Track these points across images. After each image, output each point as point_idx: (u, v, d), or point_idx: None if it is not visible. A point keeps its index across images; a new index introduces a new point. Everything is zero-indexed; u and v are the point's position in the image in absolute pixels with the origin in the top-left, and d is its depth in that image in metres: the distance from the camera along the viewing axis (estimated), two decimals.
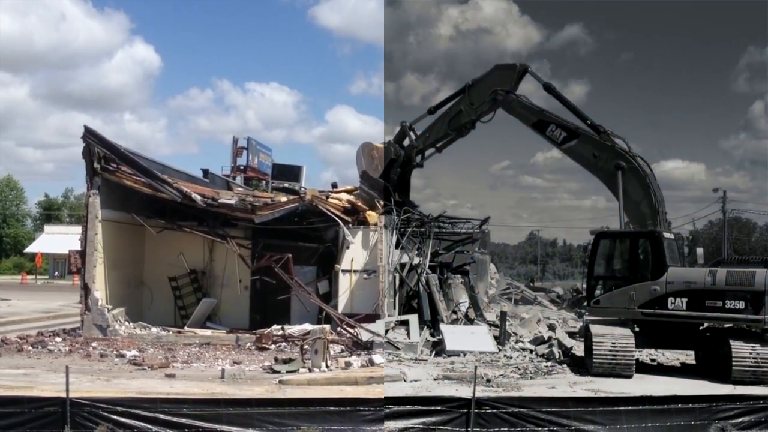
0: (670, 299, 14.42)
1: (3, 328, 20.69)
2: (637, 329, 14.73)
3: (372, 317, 18.46)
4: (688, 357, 16.40)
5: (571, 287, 33.80)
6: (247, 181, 41.45)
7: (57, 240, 61.31)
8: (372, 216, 20.16)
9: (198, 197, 19.07)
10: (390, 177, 19.57)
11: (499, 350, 16.52)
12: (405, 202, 19.94)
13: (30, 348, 16.49)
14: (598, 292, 15.47)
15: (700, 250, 15.48)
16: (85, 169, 18.67)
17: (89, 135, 18.51)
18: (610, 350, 14.03)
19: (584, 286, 16.89)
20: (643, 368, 15.17)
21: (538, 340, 17.54)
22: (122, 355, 15.60)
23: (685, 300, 14.33)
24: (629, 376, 13.89)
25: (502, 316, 17.84)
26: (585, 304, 16.56)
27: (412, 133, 19.31)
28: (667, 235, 15.20)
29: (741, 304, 13.76)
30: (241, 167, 42.73)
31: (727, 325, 14.32)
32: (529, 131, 17.37)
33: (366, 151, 19.89)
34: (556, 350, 16.09)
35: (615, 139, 16.05)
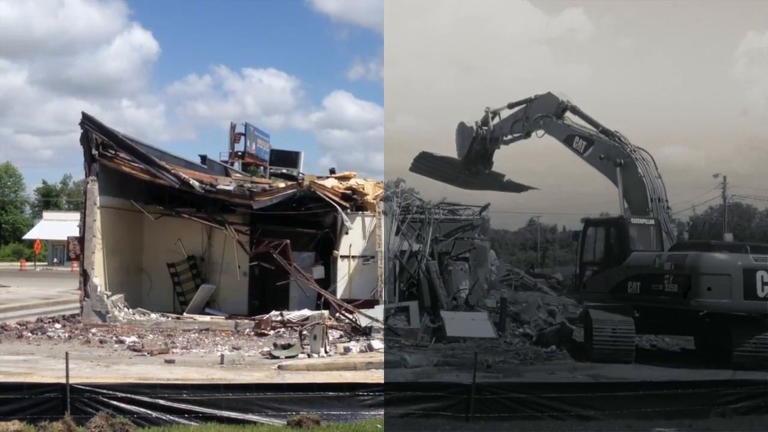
0: (629, 283, 14.88)
1: (2, 315, 20.66)
2: (637, 315, 14.74)
3: (371, 303, 18.47)
4: (688, 342, 16.42)
5: (571, 273, 33.74)
6: (245, 167, 41.31)
7: (56, 226, 61.22)
8: (370, 202, 20.17)
9: (196, 183, 19.00)
10: (470, 152, 22.29)
11: (499, 336, 16.54)
12: (485, 173, 22.82)
13: (29, 334, 16.46)
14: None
15: (728, 236, 16.02)
16: (84, 156, 18.56)
17: (87, 121, 18.39)
18: (610, 336, 14.06)
19: (577, 271, 17.66)
20: (643, 353, 15.20)
21: (538, 326, 17.58)
22: (122, 341, 15.58)
23: (638, 284, 14.70)
24: (629, 362, 13.90)
25: (503, 302, 17.86)
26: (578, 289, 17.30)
27: (491, 120, 21.65)
28: (638, 220, 15.74)
29: (675, 287, 13.86)
30: (239, 153, 42.54)
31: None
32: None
33: (463, 132, 22.50)
34: (567, 325, 16.34)
35: (622, 138, 17.60)
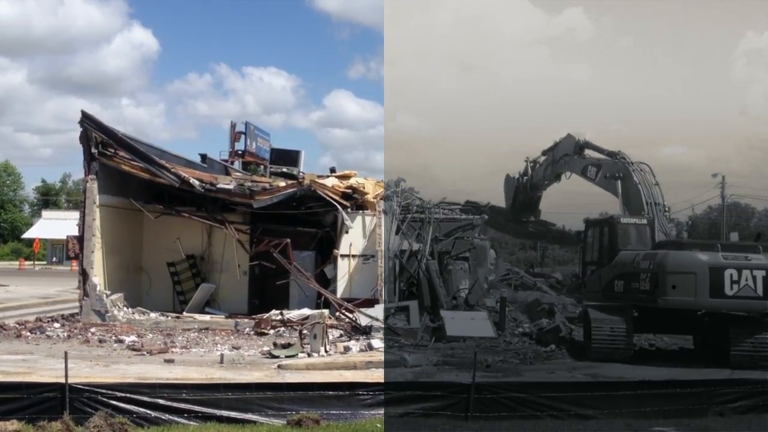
0: (615, 282, 15.13)
1: (1, 314, 20.69)
2: (635, 314, 14.77)
3: (371, 302, 18.47)
4: (686, 342, 16.44)
5: (571, 273, 33.74)
6: (245, 166, 41.32)
7: (55, 225, 61.20)
8: (371, 201, 20.17)
9: (196, 182, 18.99)
10: (515, 201, 24.43)
11: (499, 336, 16.56)
12: (533, 221, 24.73)
13: (28, 334, 16.46)
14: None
15: (734, 235, 16.47)
16: (83, 155, 18.55)
17: (87, 120, 18.38)
18: (608, 335, 14.08)
19: (579, 271, 18.33)
20: (642, 353, 15.23)
21: (538, 326, 17.60)
22: (121, 341, 15.58)
23: (622, 282, 14.92)
24: (628, 361, 13.92)
25: (502, 301, 17.89)
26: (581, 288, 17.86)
27: (530, 170, 23.46)
28: (629, 220, 16.31)
29: (648, 285, 14.00)
30: (240, 152, 42.56)
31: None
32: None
33: (508, 183, 24.74)
34: (563, 327, 16.45)
35: (624, 157, 18.97)
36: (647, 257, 14.33)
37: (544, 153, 22.78)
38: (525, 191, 23.93)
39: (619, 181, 18.36)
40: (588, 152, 20.80)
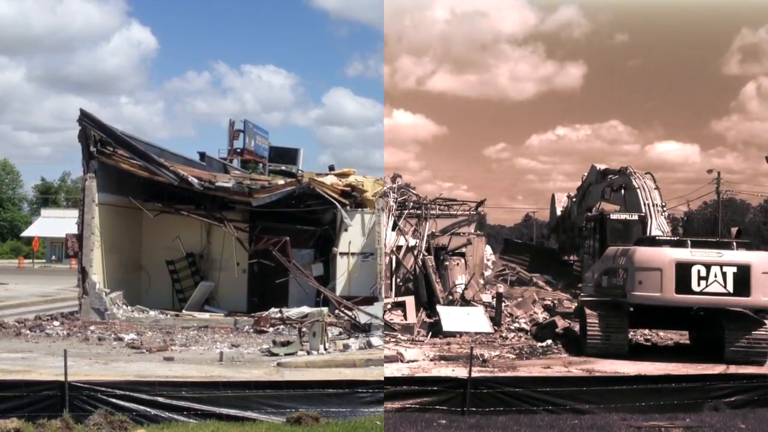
0: (603, 277, 15.33)
1: (1, 312, 20.74)
2: (631, 309, 14.84)
3: (370, 299, 18.53)
4: (682, 337, 16.53)
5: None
6: (244, 164, 41.41)
7: (54, 224, 61.13)
8: (370, 199, 20.24)
9: (195, 180, 19.05)
10: (558, 240, 25.06)
11: (495, 331, 16.65)
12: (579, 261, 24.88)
13: (28, 332, 16.53)
14: None
15: (734, 230, 16.86)
16: (82, 153, 18.61)
17: (85, 118, 18.44)
18: (603, 330, 14.14)
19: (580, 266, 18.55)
20: (638, 348, 15.30)
21: (534, 321, 17.69)
22: (120, 339, 15.65)
23: (606, 278, 15.12)
24: (623, 356, 13.99)
25: (498, 297, 17.96)
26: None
27: (574, 207, 23.48)
28: (619, 216, 16.64)
29: (622, 281, 14.16)
30: (238, 150, 42.67)
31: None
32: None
33: (559, 199, 25.17)
34: (559, 322, 16.51)
35: (631, 171, 19.37)
36: (623, 253, 14.47)
37: (578, 190, 23.34)
38: (567, 231, 24.00)
39: (623, 191, 18.94)
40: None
